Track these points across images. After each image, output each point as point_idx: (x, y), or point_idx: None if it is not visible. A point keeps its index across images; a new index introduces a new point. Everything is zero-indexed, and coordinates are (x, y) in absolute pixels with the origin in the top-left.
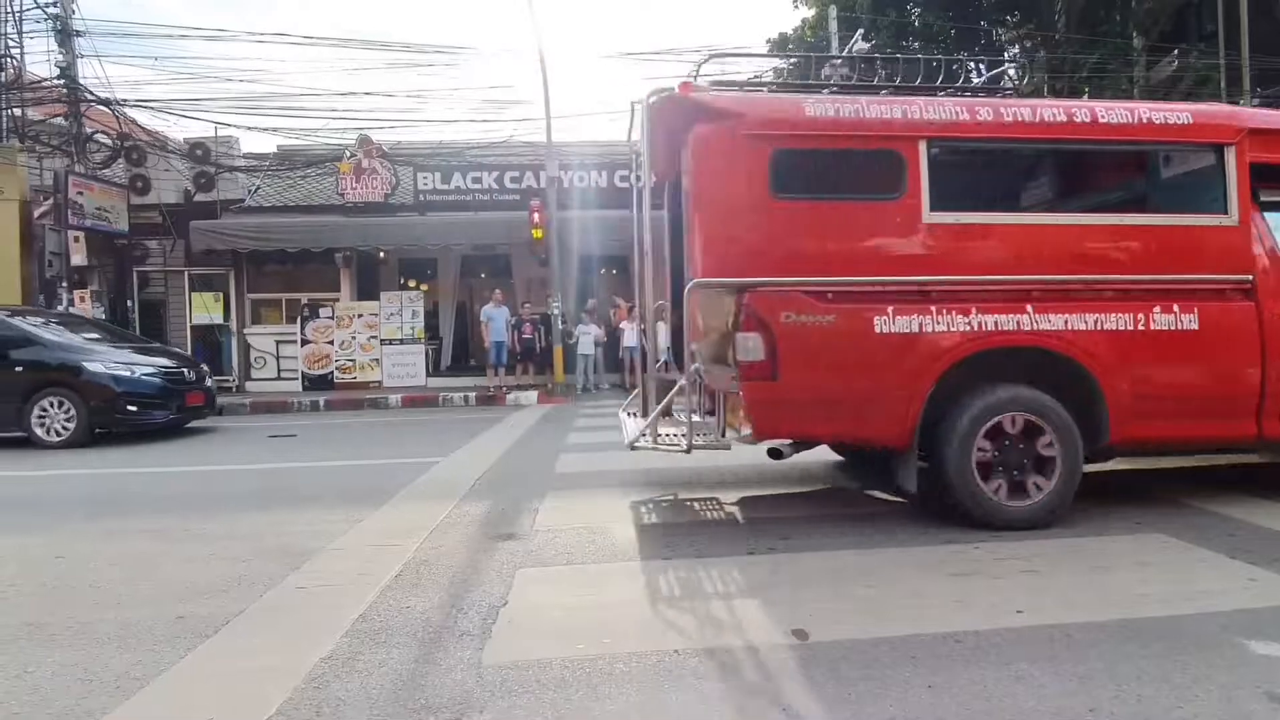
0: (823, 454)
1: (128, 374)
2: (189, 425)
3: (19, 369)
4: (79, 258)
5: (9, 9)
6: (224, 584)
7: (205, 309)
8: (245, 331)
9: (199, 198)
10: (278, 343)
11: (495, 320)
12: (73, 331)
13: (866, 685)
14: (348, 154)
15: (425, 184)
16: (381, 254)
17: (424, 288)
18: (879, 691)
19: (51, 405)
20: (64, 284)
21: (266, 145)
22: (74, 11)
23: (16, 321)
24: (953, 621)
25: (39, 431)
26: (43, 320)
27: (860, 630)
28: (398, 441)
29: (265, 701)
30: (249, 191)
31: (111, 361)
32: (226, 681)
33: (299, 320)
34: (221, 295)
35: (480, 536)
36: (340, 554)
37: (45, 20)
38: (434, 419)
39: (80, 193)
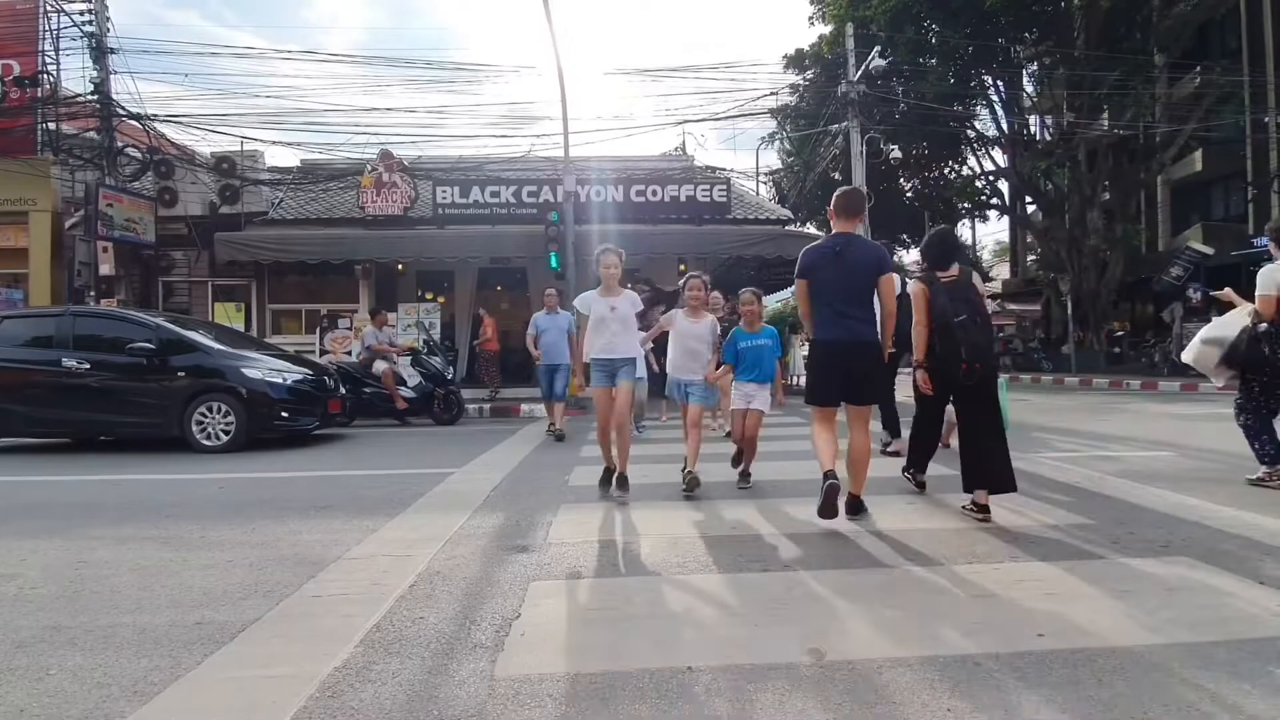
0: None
1: (280, 380)
2: (320, 432)
3: (180, 374)
4: (107, 267)
5: (47, 27)
6: (240, 592)
7: (227, 319)
8: (267, 341)
9: (224, 210)
10: (297, 352)
11: (549, 333)
12: (218, 338)
13: (884, 707)
14: (369, 168)
15: (444, 198)
16: (400, 266)
17: (441, 300)
18: (896, 714)
19: (211, 411)
20: (92, 293)
21: (290, 159)
22: (109, 30)
23: (178, 328)
24: (972, 644)
25: (198, 436)
26: (197, 326)
27: (878, 651)
28: (412, 452)
29: (280, 709)
30: (272, 204)
31: (266, 368)
32: (242, 688)
33: (318, 331)
34: (243, 305)
35: (494, 548)
36: (355, 564)
37: (81, 38)
38: (448, 430)
39: (110, 204)
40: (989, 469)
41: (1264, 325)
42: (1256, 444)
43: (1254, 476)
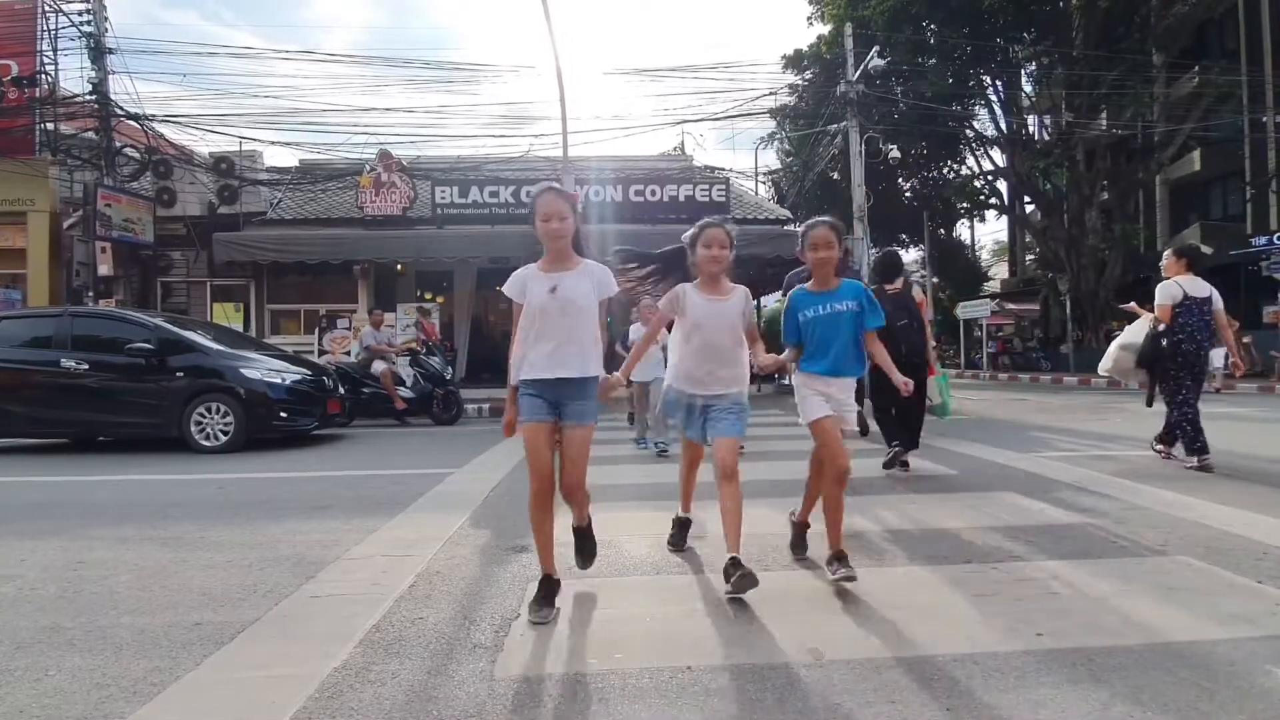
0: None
1: (279, 381)
2: (319, 432)
3: (179, 375)
4: (105, 268)
5: (45, 27)
6: (239, 592)
7: (226, 319)
8: (265, 342)
9: (222, 210)
10: (296, 353)
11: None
12: (217, 338)
13: (883, 706)
14: (368, 168)
15: (443, 198)
16: (399, 266)
17: (440, 300)
18: (896, 713)
19: (209, 411)
20: (90, 293)
21: (289, 159)
22: (107, 30)
23: (176, 328)
24: (972, 643)
25: (197, 436)
26: (195, 326)
27: (877, 650)
28: (412, 452)
29: (279, 710)
30: (271, 204)
31: (265, 369)
32: (241, 689)
33: (317, 331)
34: (242, 305)
35: (493, 548)
36: (354, 564)
37: (79, 38)
38: (448, 430)
39: (108, 205)
40: (912, 429)
41: (1161, 326)
42: (1194, 433)
43: (1193, 463)
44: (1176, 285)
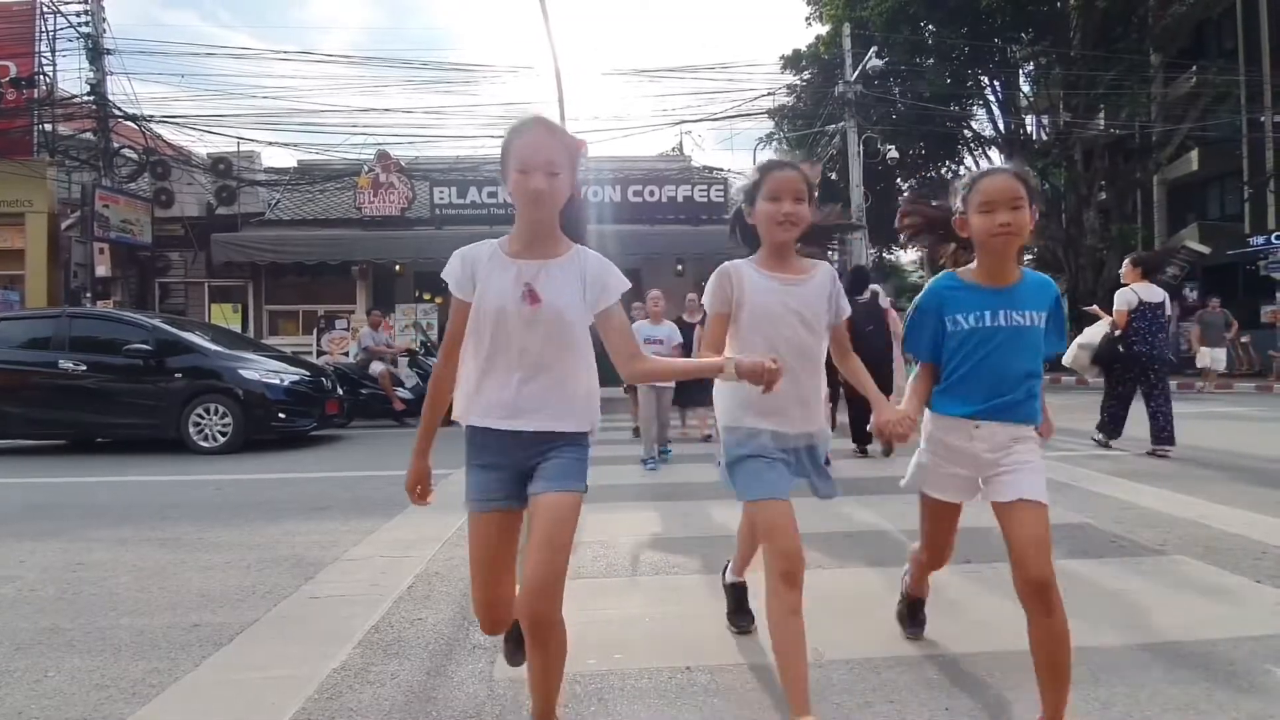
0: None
1: (277, 381)
2: (317, 433)
3: (177, 375)
4: (103, 269)
5: (43, 28)
6: (238, 593)
7: (224, 320)
8: (263, 342)
9: (220, 211)
10: (294, 353)
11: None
12: (215, 339)
13: (882, 706)
14: (366, 169)
15: (441, 198)
16: (397, 267)
17: (439, 300)
18: (894, 713)
19: (208, 412)
20: (88, 294)
21: (287, 160)
22: (105, 31)
23: (174, 329)
24: (970, 643)
25: (195, 437)
26: (194, 327)
27: (876, 650)
28: (410, 453)
29: (279, 710)
30: (269, 205)
31: (263, 369)
32: (240, 690)
33: (315, 332)
34: (240, 306)
35: None
36: (352, 565)
37: (77, 39)
38: (446, 430)
39: (106, 205)
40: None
41: (1118, 332)
42: (1113, 422)
43: (1099, 438)
44: (1132, 292)
